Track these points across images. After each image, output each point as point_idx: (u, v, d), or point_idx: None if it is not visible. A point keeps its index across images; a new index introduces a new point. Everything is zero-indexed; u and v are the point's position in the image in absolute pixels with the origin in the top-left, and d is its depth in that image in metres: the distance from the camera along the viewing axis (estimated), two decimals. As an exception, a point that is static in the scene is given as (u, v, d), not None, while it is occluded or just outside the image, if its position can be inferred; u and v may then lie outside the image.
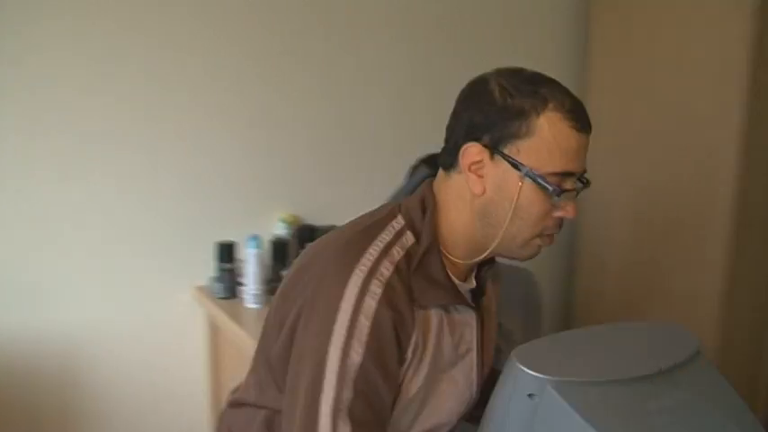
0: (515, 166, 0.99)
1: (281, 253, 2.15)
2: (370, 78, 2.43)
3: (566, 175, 1.00)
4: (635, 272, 2.56)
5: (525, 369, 0.96)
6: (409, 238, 1.05)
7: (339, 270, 0.99)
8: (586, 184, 1.07)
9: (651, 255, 2.50)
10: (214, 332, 2.20)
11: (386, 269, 0.99)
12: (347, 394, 0.95)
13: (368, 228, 1.05)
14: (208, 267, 2.15)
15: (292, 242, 2.21)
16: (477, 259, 1.10)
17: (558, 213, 1.03)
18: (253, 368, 1.20)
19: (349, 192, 2.41)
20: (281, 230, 2.26)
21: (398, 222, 1.06)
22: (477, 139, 1.01)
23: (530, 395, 0.96)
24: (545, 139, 0.98)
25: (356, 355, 0.95)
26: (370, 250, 1.01)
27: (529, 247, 1.07)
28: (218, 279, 2.10)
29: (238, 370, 2.03)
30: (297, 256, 2.11)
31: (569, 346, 1.07)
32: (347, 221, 1.15)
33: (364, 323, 0.96)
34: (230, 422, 1.22)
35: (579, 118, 1.00)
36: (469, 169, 1.02)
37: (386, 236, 1.03)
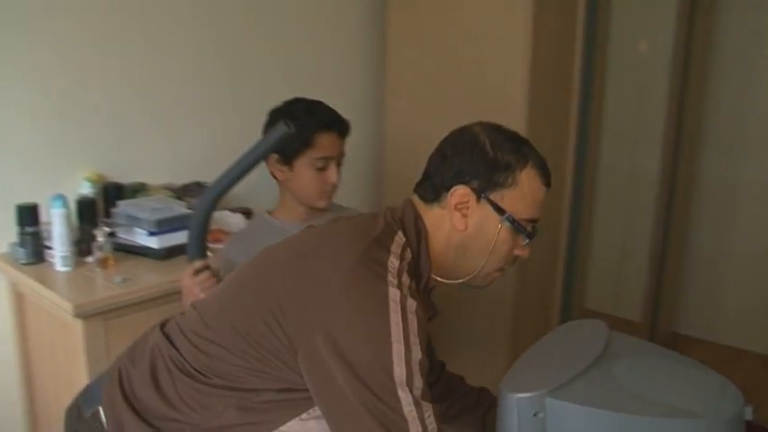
0: (499, 210, 1.17)
1: (88, 212, 2.07)
2: (171, 39, 2.39)
3: (533, 221, 1.21)
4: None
5: (520, 395, 1.10)
6: (409, 254, 1.15)
7: (372, 277, 1.05)
8: (536, 231, 1.24)
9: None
10: (19, 301, 2.09)
11: (406, 279, 1.09)
12: (417, 384, 0.99)
13: (380, 239, 1.13)
14: (9, 232, 2.03)
15: (99, 201, 2.15)
16: (442, 281, 1.25)
17: (517, 252, 1.24)
18: (195, 330, 1.21)
19: (154, 149, 2.37)
20: (86, 189, 2.18)
21: (401, 238, 1.16)
22: (465, 183, 1.17)
23: (535, 414, 1.10)
24: (524, 191, 1.18)
25: (416, 348, 1.01)
26: (392, 259, 1.10)
27: (489, 277, 1.27)
28: (21, 244, 1.98)
29: (50, 336, 1.98)
30: (105, 214, 2.11)
31: (536, 363, 1.24)
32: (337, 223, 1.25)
33: (411, 320, 1.02)
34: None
35: (548, 175, 1.22)
36: (456, 207, 1.18)
37: (396, 249, 1.13)
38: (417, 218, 1.21)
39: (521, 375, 1.18)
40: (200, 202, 1.62)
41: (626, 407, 1.08)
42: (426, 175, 1.24)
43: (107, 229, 2.00)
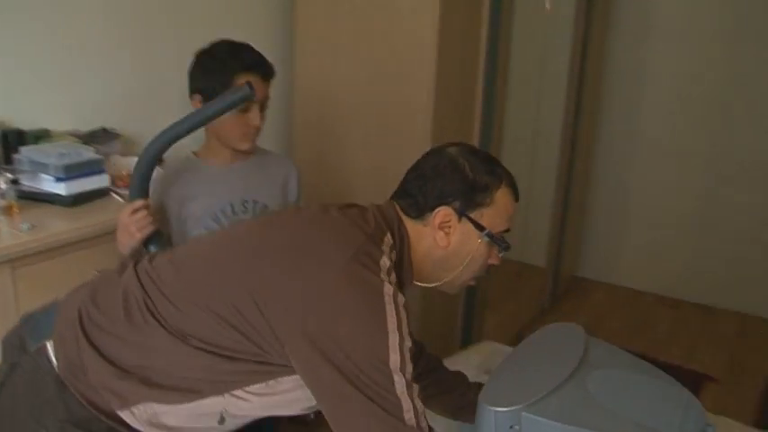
0: (479, 227, 1.27)
1: (-11, 158, 1.99)
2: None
3: (505, 233, 1.31)
4: (353, 152, 2.80)
5: (498, 409, 1.20)
6: (395, 255, 1.23)
7: (368, 273, 1.12)
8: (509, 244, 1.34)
9: (363, 137, 2.74)
10: None
11: (394, 277, 1.17)
12: (409, 368, 1.09)
13: (373, 237, 1.20)
14: None
15: None
16: (419, 285, 1.36)
17: (491, 261, 1.34)
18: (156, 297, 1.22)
19: (57, 93, 2.27)
20: (-15, 135, 2.08)
21: (389, 239, 1.23)
22: (447, 204, 1.26)
23: (511, 427, 1.19)
24: (499, 208, 1.29)
25: (408, 337, 1.10)
26: (384, 258, 1.17)
27: (464, 285, 1.38)
28: None
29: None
30: (6, 161, 2.02)
31: (515, 373, 1.33)
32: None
33: (402, 312, 1.11)
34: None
35: (517, 191, 1.33)
36: (439, 226, 1.27)
37: (386, 248, 1.20)
38: (401, 224, 1.29)
39: (499, 387, 1.28)
40: (150, 145, 1.64)
41: (597, 425, 1.17)
42: (407, 193, 1.31)
43: (9, 176, 1.93)
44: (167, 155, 2.17)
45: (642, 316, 4.09)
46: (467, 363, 2.03)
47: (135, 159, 2.23)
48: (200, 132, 1.86)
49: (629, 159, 4.30)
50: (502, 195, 1.29)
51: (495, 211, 1.29)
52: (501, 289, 3.36)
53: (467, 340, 3.03)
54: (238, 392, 1.19)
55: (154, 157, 1.65)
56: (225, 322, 1.15)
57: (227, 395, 1.19)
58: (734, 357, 3.60)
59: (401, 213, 1.30)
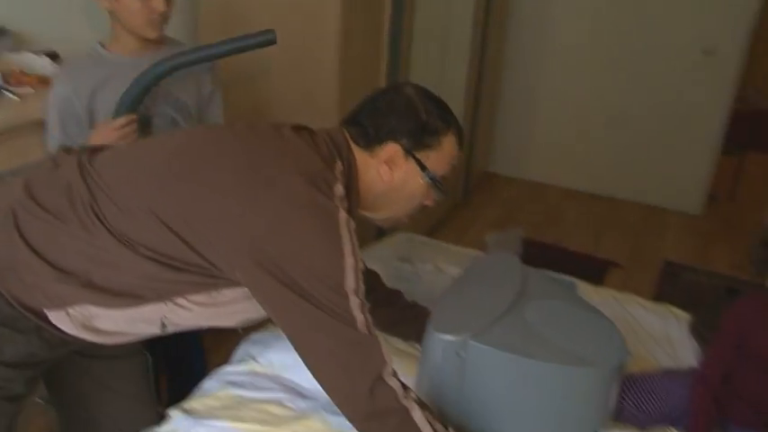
0: (423, 168, 1.29)
1: None
2: None
3: (444, 178, 1.34)
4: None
5: (447, 337, 1.27)
6: (345, 181, 1.24)
7: (323, 197, 1.13)
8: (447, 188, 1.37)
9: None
10: None
11: (345, 203, 1.19)
12: (362, 289, 1.14)
13: (327, 162, 1.21)
14: None
15: None
16: (362, 214, 1.37)
17: (426, 201, 1.37)
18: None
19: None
20: None
21: (340, 166, 1.24)
22: (397, 140, 1.28)
23: (457, 354, 1.26)
24: (444, 153, 1.32)
25: (360, 260, 1.14)
26: (338, 184, 1.18)
27: (399, 221, 1.42)
28: None
29: None
30: None
31: (460, 302, 1.40)
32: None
33: (354, 237, 1.14)
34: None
35: (462, 141, 1.36)
36: (385, 161, 1.28)
37: (338, 175, 1.22)
38: (350, 152, 1.29)
39: (447, 316, 1.34)
40: (155, 67, 1.63)
41: (534, 353, 1.26)
42: (358, 121, 1.32)
43: None
44: (67, 51, 2.03)
45: (551, 209, 4.23)
46: (382, 252, 2.06)
47: (29, 56, 2.10)
48: (106, 23, 1.76)
49: (537, 60, 4.34)
50: (448, 141, 1.32)
51: (440, 156, 1.32)
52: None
53: (382, 234, 3.06)
54: (181, 301, 1.19)
55: (153, 80, 1.64)
56: (170, 231, 1.13)
57: (169, 303, 1.18)
58: (635, 244, 3.80)
59: (350, 140, 1.31)
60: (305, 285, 1.08)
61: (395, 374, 1.14)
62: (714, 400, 1.48)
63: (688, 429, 1.47)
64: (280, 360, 1.54)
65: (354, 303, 1.11)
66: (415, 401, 1.14)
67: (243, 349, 1.62)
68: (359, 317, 1.11)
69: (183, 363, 2.06)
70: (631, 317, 1.90)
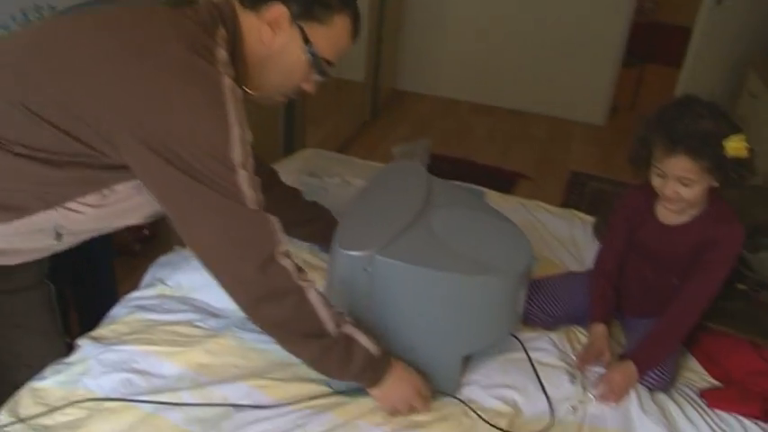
0: (306, 41, 1.18)
1: None
2: None
3: (329, 63, 1.23)
4: None
5: (353, 253, 1.21)
6: (228, 50, 1.14)
7: (204, 63, 1.04)
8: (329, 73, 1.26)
9: None
10: None
11: (231, 70, 1.11)
12: (251, 162, 1.08)
13: (207, 29, 1.12)
14: None
15: None
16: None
17: (304, 85, 1.25)
18: None
19: None
20: None
21: (224, 33, 1.15)
22: (285, 3, 1.15)
23: (364, 269, 1.21)
24: (333, 33, 1.20)
25: (247, 130, 1.07)
26: (219, 50, 1.10)
27: (271, 100, 1.29)
28: None
29: None
30: None
31: (365, 216, 1.33)
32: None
33: (241, 106, 1.06)
34: None
35: (358, 30, 1.25)
36: (269, 22, 1.16)
37: (221, 41, 1.13)
38: (235, 18, 1.19)
39: (352, 230, 1.29)
40: None
41: (442, 264, 1.24)
42: None
43: None
44: None
45: (461, 123, 4.23)
46: (289, 166, 2.01)
47: None
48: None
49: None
50: (341, 22, 1.21)
51: (329, 34, 1.21)
52: (321, 104, 3.29)
53: (289, 153, 2.99)
54: (71, 205, 1.10)
55: None
56: (45, 121, 1.02)
57: (59, 208, 1.10)
58: (543, 156, 3.86)
59: (237, 6, 1.20)
60: (188, 158, 1.01)
61: (288, 255, 1.11)
62: (613, 288, 1.56)
63: (588, 319, 1.52)
64: (189, 281, 1.51)
65: (242, 177, 1.05)
66: (311, 282, 1.11)
67: (151, 274, 1.58)
68: (248, 193, 1.06)
69: (95, 297, 1.97)
70: (539, 222, 1.93)
